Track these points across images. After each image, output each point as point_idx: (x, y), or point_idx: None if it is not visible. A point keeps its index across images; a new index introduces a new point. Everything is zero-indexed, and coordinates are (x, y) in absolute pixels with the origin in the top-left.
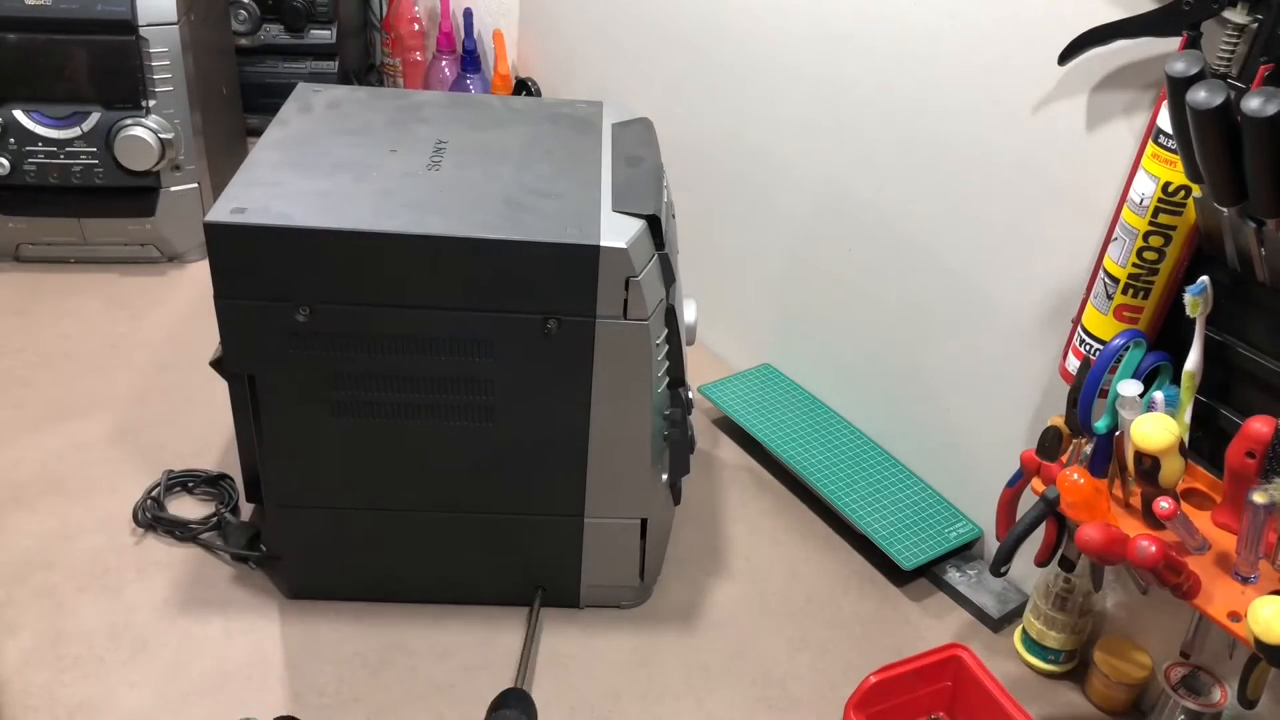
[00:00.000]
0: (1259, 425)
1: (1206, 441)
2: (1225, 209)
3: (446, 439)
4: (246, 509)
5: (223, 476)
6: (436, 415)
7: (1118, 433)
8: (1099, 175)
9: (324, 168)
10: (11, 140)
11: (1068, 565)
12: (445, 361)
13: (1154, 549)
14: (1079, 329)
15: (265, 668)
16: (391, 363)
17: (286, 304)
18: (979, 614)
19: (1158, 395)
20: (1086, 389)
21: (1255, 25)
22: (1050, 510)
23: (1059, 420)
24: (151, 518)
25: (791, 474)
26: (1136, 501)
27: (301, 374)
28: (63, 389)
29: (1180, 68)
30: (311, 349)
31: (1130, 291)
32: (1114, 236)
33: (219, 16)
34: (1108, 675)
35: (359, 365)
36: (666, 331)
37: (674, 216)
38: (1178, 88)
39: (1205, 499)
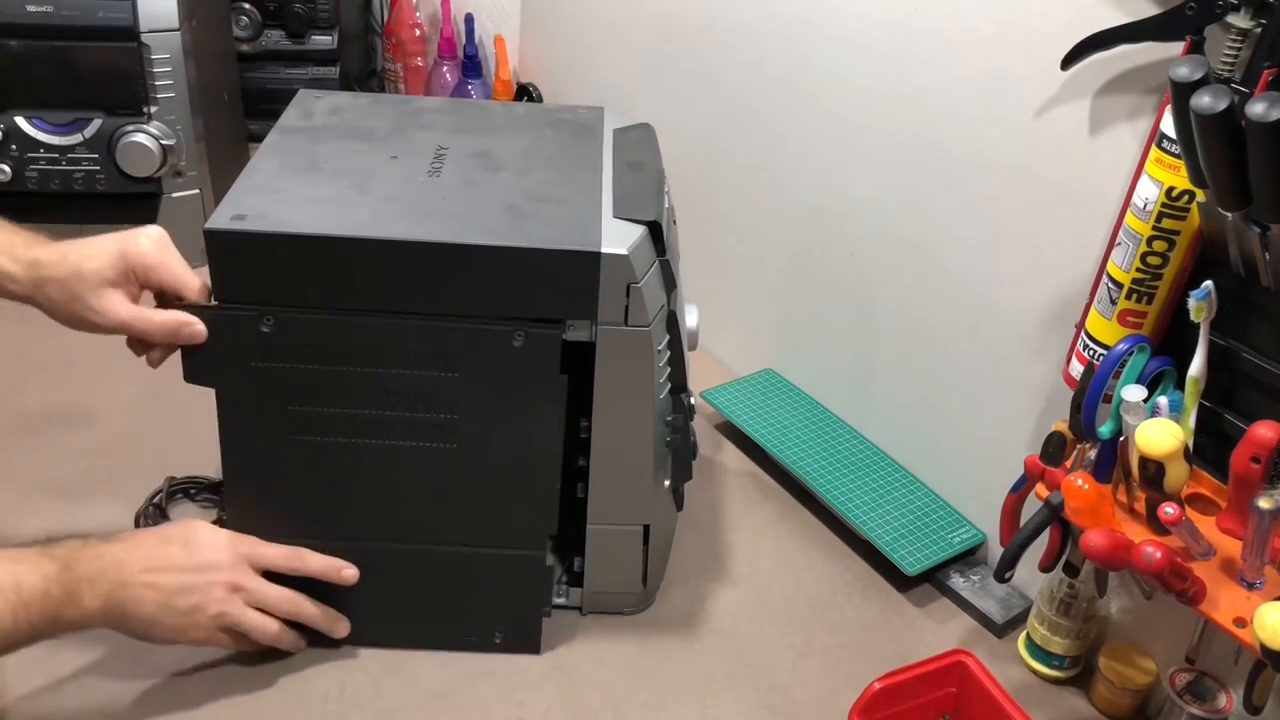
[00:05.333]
0: (1264, 430)
1: (1211, 447)
2: (1229, 214)
3: (421, 459)
4: None
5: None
6: (411, 433)
7: (1122, 438)
8: (1102, 180)
9: (325, 174)
10: (13, 147)
11: (1072, 571)
12: (423, 376)
13: (1159, 555)
14: (1082, 334)
15: (265, 674)
16: (370, 376)
17: (251, 315)
18: (983, 619)
19: (1162, 400)
20: (1090, 394)
21: (1259, 30)
22: (1054, 516)
23: (1063, 425)
24: (154, 525)
25: (794, 479)
26: (1141, 507)
27: (268, 388)
28: (64, 395)
29: (1184, 73)
30: (281, 361)
31: (1134, 296)
32: (1117, 241)
33: (220, 22)
34: (1112, 681)
35: (334, 379)
36: (668, 337)
37: (675, 222)
38: (1181, 92)
39: (1210, 504)
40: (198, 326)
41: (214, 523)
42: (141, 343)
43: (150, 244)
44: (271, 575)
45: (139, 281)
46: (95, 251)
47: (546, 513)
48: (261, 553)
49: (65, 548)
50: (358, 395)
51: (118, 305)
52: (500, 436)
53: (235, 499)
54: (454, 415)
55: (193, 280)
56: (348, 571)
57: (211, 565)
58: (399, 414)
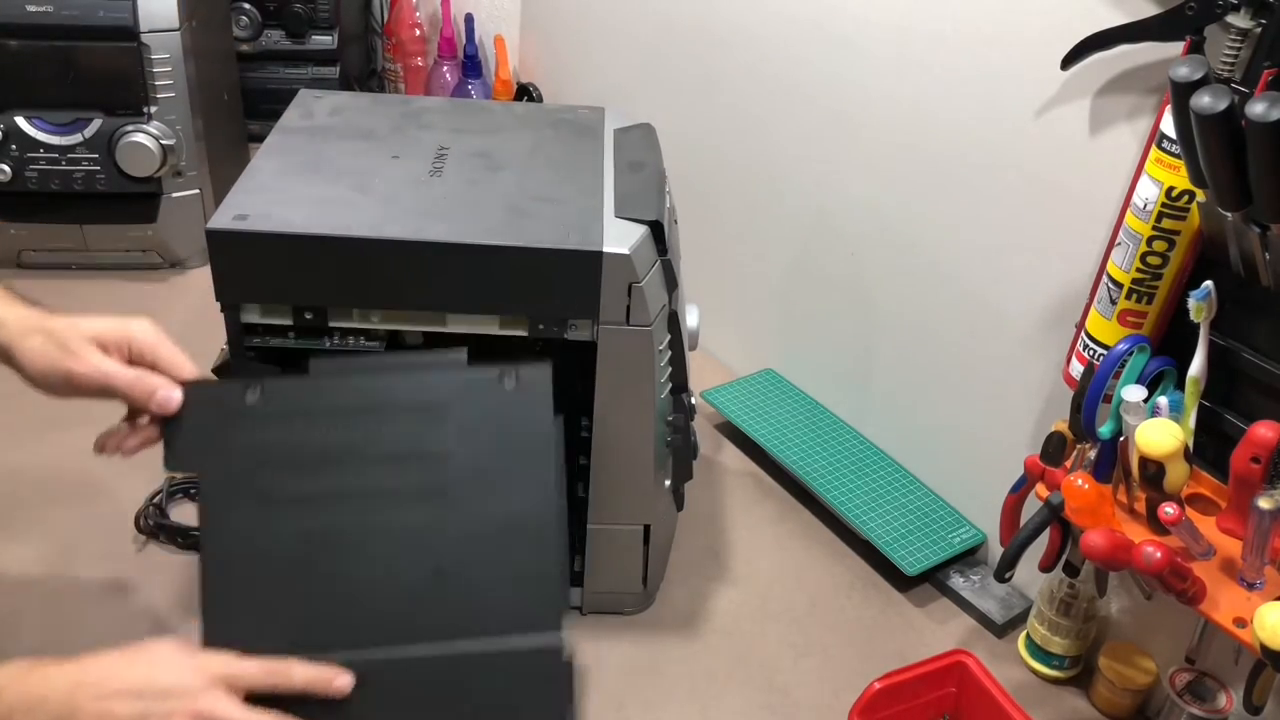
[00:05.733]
0: (1264, 430)
1: (1211, 447)
2: (1229, 214)
3: (415, 533)
4: None
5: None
6: (404, 502)
7: (1122, 438)
8: (1102, 180)
9: (326, 174)
10: (13, 147)
11: (1072, 571)
12: (414, 434)
13: (1159, 555)
14: (1082, 334)
15: None
16: (360, 441)
17: (236, 386)
18: (983, 619)
19: (1162, 400)
20: (1090, 394)
21: (1259, 30)
22: (1054, 516)
23: (1063, 425)
24: (154, 525)
25: (794, 479)
26: (1141, 507)
27: (253, 465)
28: None
29: (1184, 73)
30: (268, 433)
31: (1134, 296)
32: (1117, 241)
33: (220, 22)
34: (1112, 681)
35: (322, 449)
36: (669, 337)
37: (676, 222)
38: (1181, 92)
39: (1210, 504)
40: (175, 392)
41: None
42: (109, 438)
43: (148, 325)
44: (259, 700)
45: (130, 355)
46: (92, 317)
47: (552, 582)
48: (237, 672)
49: (7, 672)
50: (348, 464)
51: (103, 358)
52: (495, 494)
53: (216, 610)
54: (446, 476)
55: (184, 364)
56: (340, 681)
57: (175, 690)
58: (391, 482)
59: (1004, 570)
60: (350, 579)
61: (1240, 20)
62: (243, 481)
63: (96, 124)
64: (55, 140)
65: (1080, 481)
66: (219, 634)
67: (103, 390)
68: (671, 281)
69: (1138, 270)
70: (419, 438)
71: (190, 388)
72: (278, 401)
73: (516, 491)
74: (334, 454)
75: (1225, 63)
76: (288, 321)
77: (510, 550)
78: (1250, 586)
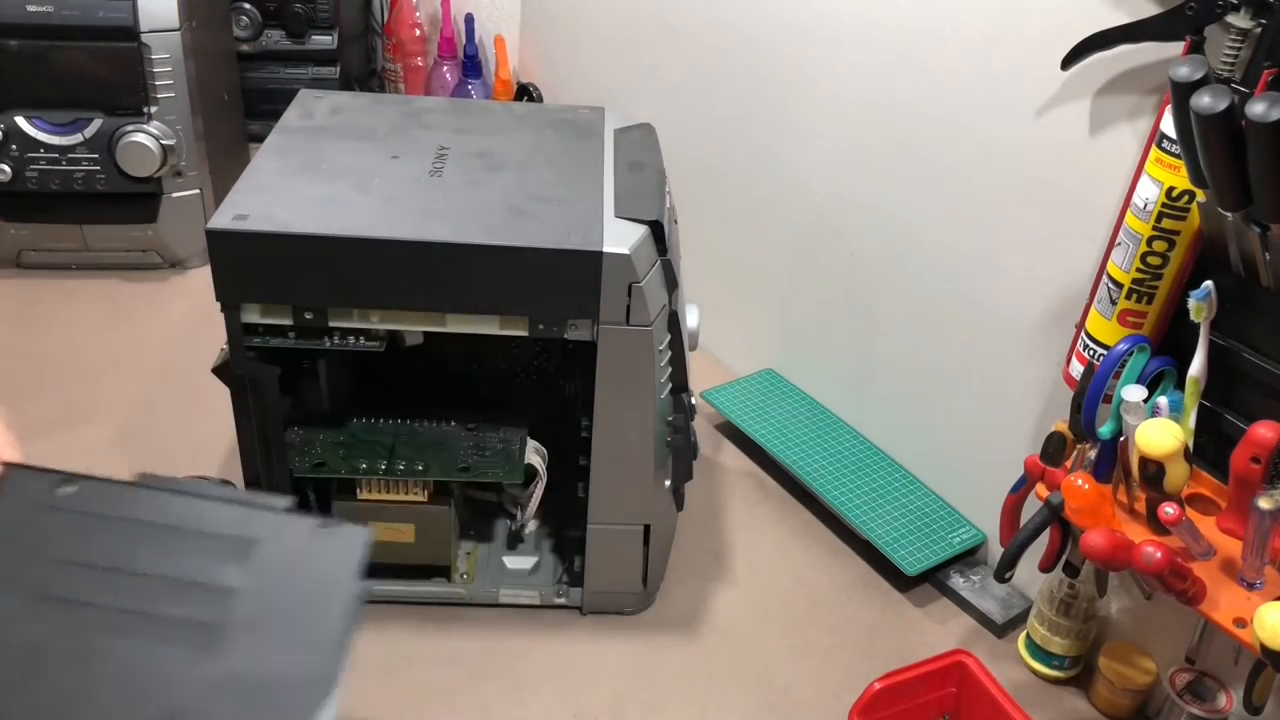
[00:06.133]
0: (1264, 430)
1: (1211, 447)
2: (1229, 214)
3: (174, 670)
4: None
5: (225, 482)
6: (172, 636)
7: (1122, 438)
8: (1102, 180)
9: (326, 174)
10: (13, 147)
11: (1072, 571)
12: (208, 565)
13: (1159, 555)
14: (1082, 334)
15: None
16: (152, 559)
17: (54, 477)
18: (983, 619)
19: (1162, 400)
20: (1090, 394)
21: (1259, 30)
22: (1054, 516)
23: (1063, 425)
24: None
25: (794, 479)
26: (1141, 507)
27: (33, 562)
28: (65, 396)
29: (1184, 73)
30: (63, 534)
31: (1134, 296)
32: (1117, 241)
33: (221, 22)
34: (1112, 681)
35: (107, 555)
36: (669, 337)
37: (676, 221)
38: (1181, 93)
39: (1210, 504)
40: None
41: None
42: None
43: None
44: None
45: None
46: None
47: None
48: None
49: None
50: (124, 575)
51: None
52: (268, 648)
53: None
54: (223, 614)
55: (11, 449)
56: None
57: None
58: (161, 607)
59: (1004, 570)
60: (72, 701)
61: (1240, 20)
62: (11, 571)
63: (96, 124)
64: (55, 140)
65: (1080, 481)
66: None
67: None
68: (671, 281)
69: (1138, 270)
70: (210, 567)
71: (7, 468)
72: (88, 501)
73: (293, 650)
74: (114, 562)
75: (1225, 63)
76: (288, 321)
77: (262, 714)
78: (1250, 586)
